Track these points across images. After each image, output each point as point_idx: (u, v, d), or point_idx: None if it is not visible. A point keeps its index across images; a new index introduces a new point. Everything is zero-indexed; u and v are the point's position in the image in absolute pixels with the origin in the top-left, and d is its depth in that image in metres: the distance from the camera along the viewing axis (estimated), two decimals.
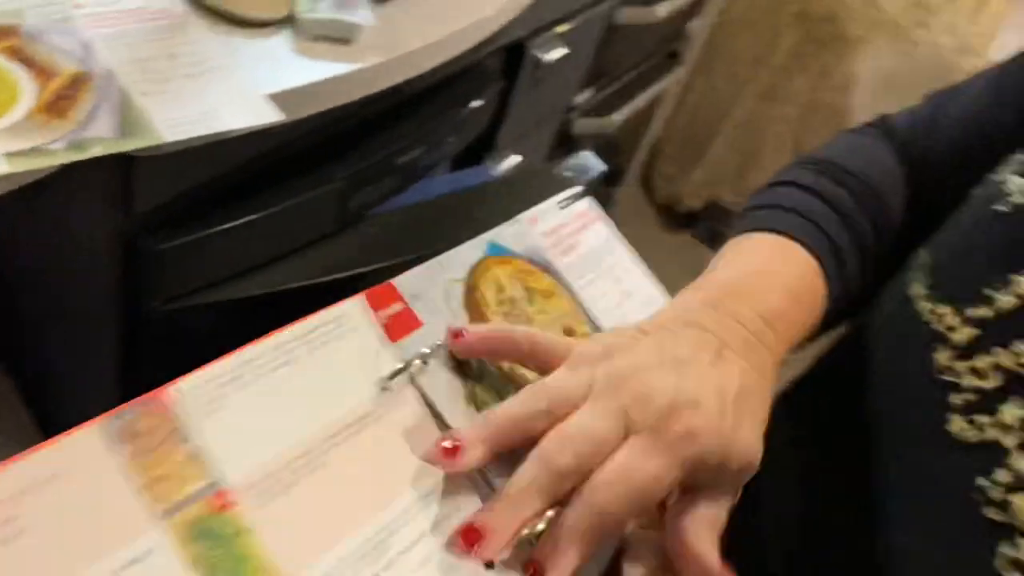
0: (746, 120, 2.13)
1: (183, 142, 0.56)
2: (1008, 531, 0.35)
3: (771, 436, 0.52)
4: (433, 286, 0.42)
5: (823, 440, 0.48)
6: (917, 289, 0.44)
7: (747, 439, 0.37)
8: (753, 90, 2.09)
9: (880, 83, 1.96)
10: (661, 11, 1.35)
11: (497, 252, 0.46)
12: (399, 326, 0.40)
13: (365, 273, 0.80)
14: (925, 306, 0.43)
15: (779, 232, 0.47)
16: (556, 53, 1.12)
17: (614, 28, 1.30)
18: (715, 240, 2.28)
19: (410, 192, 0.91)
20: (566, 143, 1.44)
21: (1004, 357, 0.38)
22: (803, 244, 0.47)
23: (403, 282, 0.41)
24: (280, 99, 0.62)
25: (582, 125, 1.42)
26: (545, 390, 0.35)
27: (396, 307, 0.40)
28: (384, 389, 0.37)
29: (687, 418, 0.35)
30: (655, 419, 0.34)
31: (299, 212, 0.75)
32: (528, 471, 0.33)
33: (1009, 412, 0.37)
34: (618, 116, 1.49)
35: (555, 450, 0.33)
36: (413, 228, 0.87)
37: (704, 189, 2.23)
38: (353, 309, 0.39)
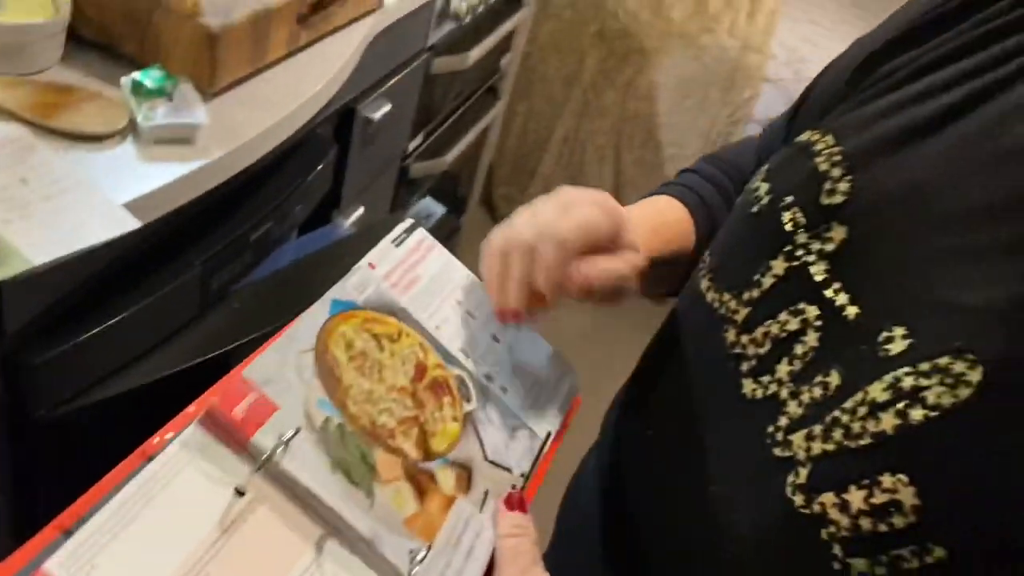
0: (568, 137, 2.28)
1: (50, 262, 0.60)
2: (792, 463, 0.44)
3: (615, 422, 0.61)
4: (284, 365, 0.43)
5: (651, 421, 0.58)
6: (706, 284, 0.55)
7: None
8: (570, 109, 2.25)
9: (679, 88, 2.16)
10: (472, 56, 1.46)
11: (341, 309, 0.48)
12: (256, 416, 0.40)
13: (239, 347, 0.85)
14: (713, 297, 0.53)
15: (666, 194, 0.66)
16: (382, 110, 1.20)
17: (432, 78, 1.40)
18: None
19: (268, 262, 0.96)
20: (407, 186, 1.52)
21: (772, 327, 0.48)
22: (677, 198, 0.65)
23: (253, 370, 0.42)
24: (135, 205, 0.67)
25: (418, 168, 1.51)
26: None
27: (250, 398, 0.41)
28: (241, 493, 0.39)
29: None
30: (567, 197, 0.52)
31: (164, 302, 0.79)
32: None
33: (781, 369, 0.47)
34: (450, 155, 1.59)
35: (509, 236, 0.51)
36: (276, 297, 0.93)
37: None
38: (193, 433, 0.40)
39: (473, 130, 1.71)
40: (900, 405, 0.40)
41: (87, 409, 0.74)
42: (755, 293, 0.49)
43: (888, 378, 0.40)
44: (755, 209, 0.52)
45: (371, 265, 0.52)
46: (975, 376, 0.38)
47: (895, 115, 0.48)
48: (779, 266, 0.48)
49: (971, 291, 0.40)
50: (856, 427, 0.41)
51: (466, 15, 1.37)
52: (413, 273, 0.54)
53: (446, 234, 1.88)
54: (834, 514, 0.41)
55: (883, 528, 0.39)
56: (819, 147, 0.50)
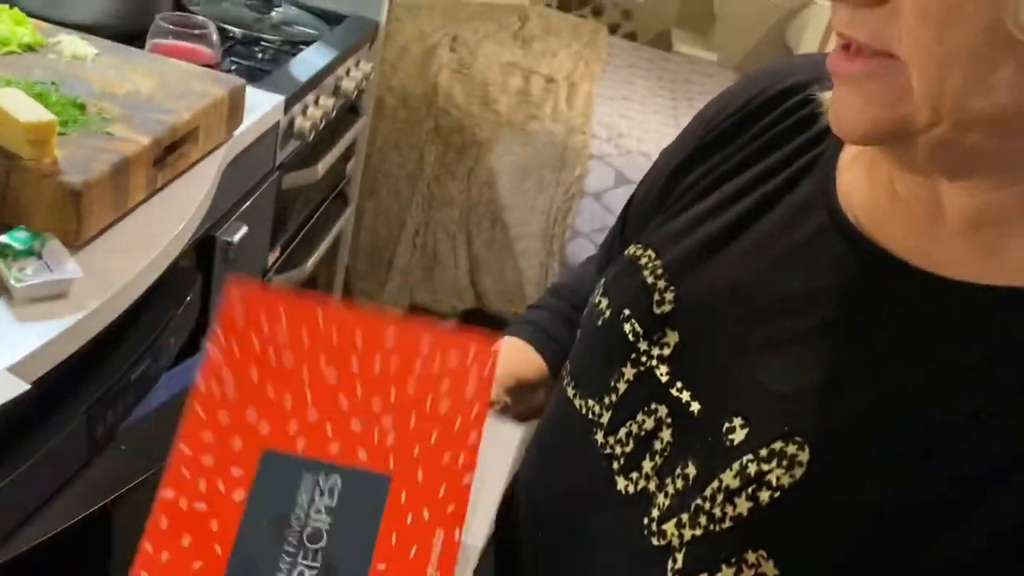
0: (419, 229, 2.37)
1: None
2: (668, 551, 0.48)
3: (507, 526, 0.66)
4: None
5: (540, 523, 0.60)
6: (571, 391, 0.59)
7: None
8: (416, 202, 2.34)
9: (515, 172, 2.30)
10: (320, 170, 1.52)
11: None
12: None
13: (133, 487, 0.85)
14: (580, 403, 0.57)
15: (517, 336, 0.71)
16: (240, 233, 1.24)
17: (284, 194, 1.45)
18: None
19: (147, 398, 0.97)
20: None
21: (633, 427, 0.53)
22: (529, 342, 0.70)
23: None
24: (18, 368, 0.69)
25: (280, 280, 1.54)
26: None
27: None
28: None
29: None
30: None
31: (51, 456, 0.79)
32: None
33: (646, 465, 0.51)
34: (309, 263, 1.63)
35: None
36: (162, 432, 0.94)
37: (401, 297, 2.43)
38: None
39: (328, 236, 1.76)
40: (750, 489, 0.44)
41: None
42: (613, 397, 0.54)
43: (736, 466, 0.45)
44: (600, 323, 0.58)
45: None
46: (804, 456, 0.44)
47: (698, 228, 0.55)
48: (629, 372, 0.54)
49: (789, 378, 0.46)
50: (717, 512, 0.45)
51: (310, 133, 1.44)
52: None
53: None
54: None
55: None
56: (643, 261, 0.57)
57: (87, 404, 0.84)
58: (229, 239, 1.21)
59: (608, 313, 0.57)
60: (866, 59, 0.42)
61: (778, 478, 0.44)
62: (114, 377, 0.88)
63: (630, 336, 0.55)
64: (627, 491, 0.52)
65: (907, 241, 0.47)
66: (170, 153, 0.98)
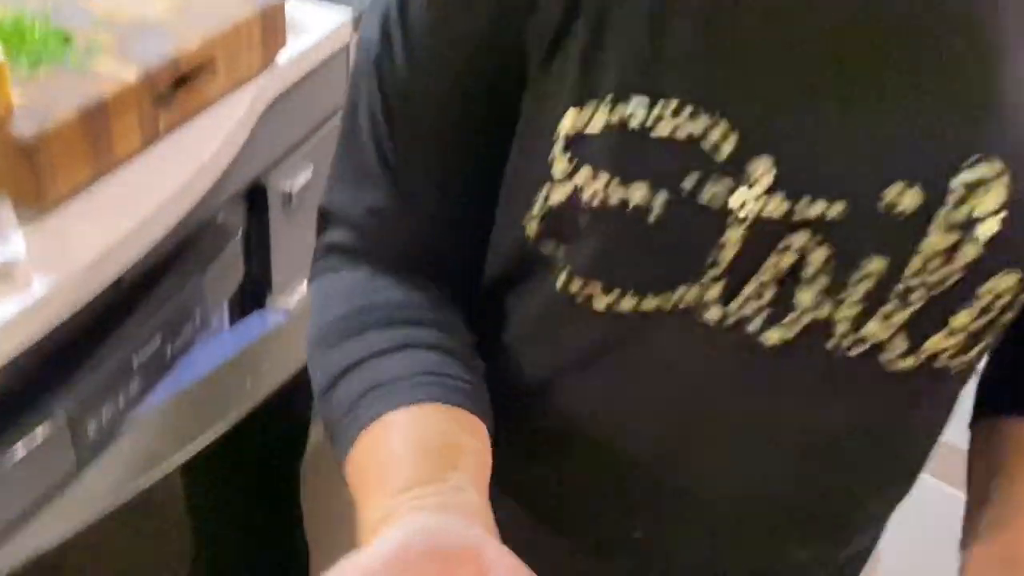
0: None
1: None
2: (875, 349, 0.47)
3: None
4: None
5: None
6: (629, 303, 0.48)
7: None
8: None
9: None
10: None
11: None
12: None
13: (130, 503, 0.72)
14: (655, 303, 0.48)
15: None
16: (302, 177, 1.08)
17: None
18: None
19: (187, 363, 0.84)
20: None
21: (764, 276, 0.46)
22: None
23: None
24: None
25: None
26: None
27: None
28: None
29: None
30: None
31: (24, 468, 0.67)
32: None
33: (805, 298, 0.46)
34: None
35: None
36: (187, 415, 0.81)
37: None
38: None
39: None
40: (968, 236, 0.43)
41: None
42: (721, 267, 0.46)
43: (935, 229, 0.43)
44: (652, 220, 0.45)
45: None
46: (994, 169, 0.43)
47: (669, 46, 0.44)
48: (733, 235, 0.45)
49: (926, 112, 0.44)
50: (934, 278, 0.44)
51: None
52: None
53: None
54: (944, 344, 0.46)
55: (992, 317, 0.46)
56: (650, 123, 0.44)
57: (73, 400, 0.70)
58: (286, 187, 1.05)
59: (660, 200, 0.45)
60: None
61: (987, 203, 0.43)
62: (108, 364, 0.74)
63: (709, 203, 0.45)
64: (785, 340, 0.48)
65: None
66: (180, 87, 0.81)
